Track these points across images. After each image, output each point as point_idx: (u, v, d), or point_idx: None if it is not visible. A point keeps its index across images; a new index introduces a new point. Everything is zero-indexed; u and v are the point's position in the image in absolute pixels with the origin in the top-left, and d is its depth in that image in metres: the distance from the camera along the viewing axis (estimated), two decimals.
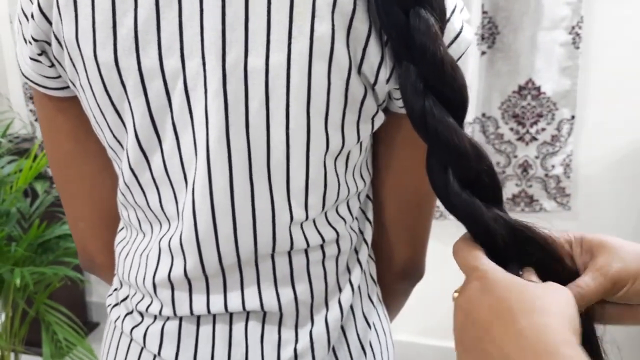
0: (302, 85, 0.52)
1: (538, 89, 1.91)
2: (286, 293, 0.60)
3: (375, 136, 0.63)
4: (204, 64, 0.52)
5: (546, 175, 1.98)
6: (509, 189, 2.02)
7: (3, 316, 1.74)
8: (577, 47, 1.85)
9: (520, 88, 1.92)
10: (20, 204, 1.80)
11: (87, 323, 2.48)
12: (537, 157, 1.97)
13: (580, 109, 1.92)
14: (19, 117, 2.17)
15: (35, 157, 1.75)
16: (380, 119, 0.58)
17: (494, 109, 1.97)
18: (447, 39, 0.54)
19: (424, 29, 0.48)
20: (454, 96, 0.50)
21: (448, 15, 0.53)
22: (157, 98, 0.53)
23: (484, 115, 1.99)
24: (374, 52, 0.52)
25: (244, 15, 0.50)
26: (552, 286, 0.46)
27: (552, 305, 0.43)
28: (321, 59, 0.51)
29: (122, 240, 0.67)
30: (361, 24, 0.51)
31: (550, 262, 0.50)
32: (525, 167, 1.99)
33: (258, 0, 0.50)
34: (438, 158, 0.51)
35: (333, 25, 0.50)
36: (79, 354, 1.79)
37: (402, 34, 0.49)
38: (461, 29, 0.55)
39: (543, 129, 1.94)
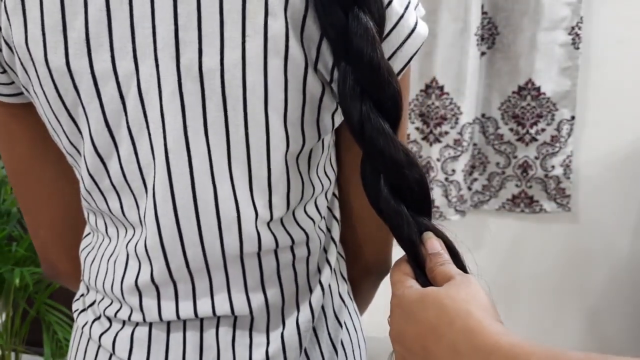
0: (258, 83, 0.51)
1: (538, 89, 1.90)
2: (257, 297, 0.60)
3: (338, 133, 0.63)
4: (157, 65, 0.51)
5: (546, 176, 1.97)
6: (509, 190, 2.01)
7: (4, 316, 1.75)
8: (577, 48, 1.84)
9: (520, 88, 1.91)
10: None
11: None
12: (537, 158, 1.96)
13: (580, 110, 1.91)
14: None
15: None
16: (340, 116, 0.57)
17: (493, 110, 1.97)
18: (401, 35, 0.54)
19: (362, 33, 0.49)
20: (388, 103, 0.51)
21: (402, 11, 0.53)
22: (111, 102, 0.52)
23: (483, 115, 1.98)
24: (328, 51, 0.52)
25: (196, 15, 0.50)
26: (461, 284, 0.47)
27: (470, 305, 0.45)
28: (276, 57, 0.51)
29: (87, 246, 0.65)
30: (314, 23, 0.51)
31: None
32: (525, 167, 1.98)
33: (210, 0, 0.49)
34: (372, 164, 0.53)
35: (287, 22, 0.50)
36: None
37: (340, 35, 0.50)
38: (415, 24, 0.55)
39: (543, 130, 1.93)
